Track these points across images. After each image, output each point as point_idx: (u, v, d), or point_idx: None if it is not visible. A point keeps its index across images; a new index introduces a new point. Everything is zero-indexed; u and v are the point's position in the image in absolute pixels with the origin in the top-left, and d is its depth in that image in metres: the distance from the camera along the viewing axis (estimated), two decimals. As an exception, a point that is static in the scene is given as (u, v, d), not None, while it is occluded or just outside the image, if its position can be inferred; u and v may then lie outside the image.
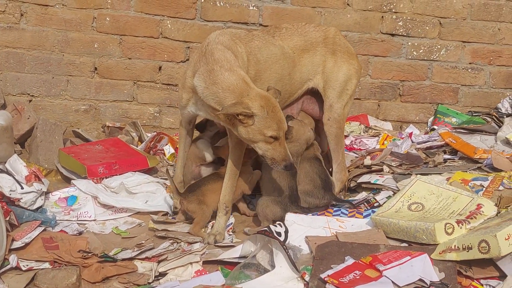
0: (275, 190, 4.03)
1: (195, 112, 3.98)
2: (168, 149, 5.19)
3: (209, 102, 3.72)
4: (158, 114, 5.73)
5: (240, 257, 3.45)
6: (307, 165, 4.22)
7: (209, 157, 4.33)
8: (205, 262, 3.51)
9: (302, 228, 3.68)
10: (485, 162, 4.45)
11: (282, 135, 3.66)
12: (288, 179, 4.02)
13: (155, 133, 5.39)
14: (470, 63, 5.91)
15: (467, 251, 3.13)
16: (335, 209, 4.04)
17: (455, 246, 3.18)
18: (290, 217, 3.76)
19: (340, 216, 3.91)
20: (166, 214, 4.18)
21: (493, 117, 5.37)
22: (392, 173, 4.54)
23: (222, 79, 3.66)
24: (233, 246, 3.65)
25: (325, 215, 3.91)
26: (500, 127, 5.07)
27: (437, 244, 3.29)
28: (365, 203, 4.15)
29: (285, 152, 3.68)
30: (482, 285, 3.09)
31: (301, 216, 3.82)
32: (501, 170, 4.26)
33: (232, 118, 3.61)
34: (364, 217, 3.89)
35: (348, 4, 5.73)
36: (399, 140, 5.34)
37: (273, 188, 4.05)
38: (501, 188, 3.96)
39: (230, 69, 3.71)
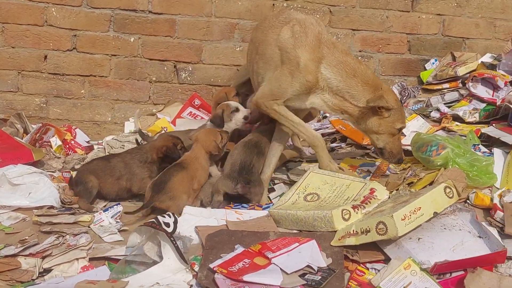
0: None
1: (306, 105, 3.95)
2: (55, 141, 5.02)
3: (343, 94, 3.79)
4: (44, 105, 5.53)
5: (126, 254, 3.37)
6: (240, 149, 4.19)
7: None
8: (92, 259, 3.41)
9: (194, 218, 3.64)
10: (373, 148, 4.53)
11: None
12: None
13: (40, 124, 5.20)
14: (360, 51, 5.99)
15: (366, 234, 3.19)
16: (235, 204, 3.99)
17: (353, 230, 3.23)
18: (188, 209, 3.72)
19: (240, 209, 3.88)
20: (51, 207, 4.04)
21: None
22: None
23: (360, 72, 3.79)
24: (121, 241, 3.58)
25: (225, 208, 3.88)
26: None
27: (335, 231, 3.32)
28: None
29: (401, 145, 3.86)
30: (367, 269, 3.14)
31: (199, 209, 3.79)
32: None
33: (367, 111, 3.77)
34: (264, 209, 3.87)
35: (238, -9, 5.72)
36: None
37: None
38: (387, 173, 4.04)
39: (359, 62, 3.89)
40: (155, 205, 3.88)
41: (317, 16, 5.80)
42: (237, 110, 4.41)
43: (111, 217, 3.85)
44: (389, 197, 3.60)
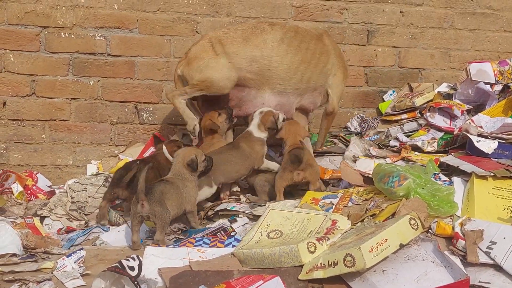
0: None
1: None
2: (16, 187, 4.95)
3: None
4: (5, 151, 5.49)
5: (91, 298, 3.32)
6: None
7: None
8: (57, 304, 3.37)
9: (159, 260, 3.61)
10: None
11: None
12: None
13: (1, 171, 5.14)
14: (319, 85, 6.05)
15: (333, 267, 3.19)
16: (197, 239, 3.98)
17: (321, 263, 3.23)
18: (149, 250, 3.69)
19: (202, 247, 3.86)
20: (13, 255, 3.97)
21: (340, 138, 5.53)
22: (249, 202, 4.58)
23: None
24: (83, 286, 3.50)
25: (186, 246, 3.85)
26: (347, 146, 5.22)
27: (302, 265, 3.32)
28: (222, 231, 4.12)
29: None
30: (334, 304, 3.14)
31: (160, 249, 3.76)
32: (350, 185, 4.38)
33: None
34: (225, 246, 3.86)
35: (196, 31, 5.75)
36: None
37: None
38: (350, 204, 4.06)
39: None
40: (296, 177, 4.50)
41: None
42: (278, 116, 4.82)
43: (74, 262, 3.80)
44: (352, 228, 3.62)
